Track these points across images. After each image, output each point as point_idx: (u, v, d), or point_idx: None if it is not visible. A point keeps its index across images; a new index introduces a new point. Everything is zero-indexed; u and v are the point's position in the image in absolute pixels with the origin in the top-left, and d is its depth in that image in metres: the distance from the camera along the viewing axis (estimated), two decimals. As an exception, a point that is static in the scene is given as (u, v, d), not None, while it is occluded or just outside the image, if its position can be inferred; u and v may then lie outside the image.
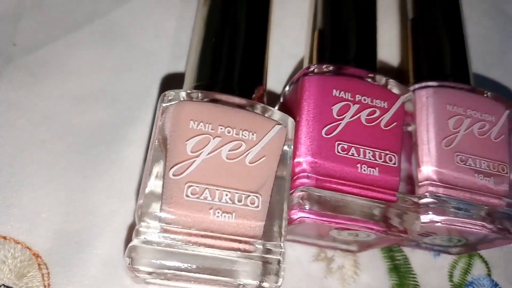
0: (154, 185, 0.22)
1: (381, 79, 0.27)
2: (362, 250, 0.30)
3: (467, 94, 0.29)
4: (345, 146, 0.25)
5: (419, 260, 0.31)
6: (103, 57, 0.30)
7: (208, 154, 0.22)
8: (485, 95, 0.30)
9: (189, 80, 0.27)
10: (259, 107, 0.25)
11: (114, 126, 0.28)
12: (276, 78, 0.33)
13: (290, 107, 0.27)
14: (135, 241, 0.21)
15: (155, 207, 0.21)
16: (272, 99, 0.31)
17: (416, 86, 0.29)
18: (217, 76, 0.26)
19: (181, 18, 0.32)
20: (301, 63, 0.34)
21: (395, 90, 0.27)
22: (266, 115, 0.25)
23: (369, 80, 0.27)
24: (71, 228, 0.26)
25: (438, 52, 0.32)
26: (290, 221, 0.24)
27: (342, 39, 0.30)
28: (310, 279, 0.29)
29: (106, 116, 0.28)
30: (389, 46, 0.36)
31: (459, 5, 0.34)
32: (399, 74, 0.35)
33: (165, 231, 0.21)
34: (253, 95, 0.26)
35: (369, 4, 0.32)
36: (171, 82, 0.30)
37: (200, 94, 0.24)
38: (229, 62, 0.27)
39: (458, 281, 0.31)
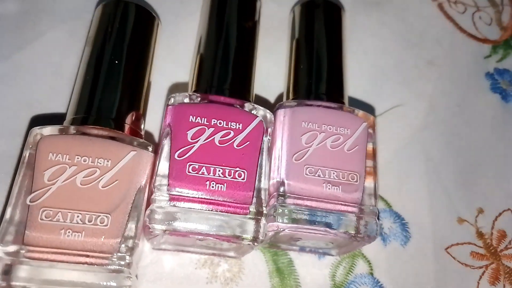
0: (15, 211, 0.25)
1: (249, 105, 0.30)
2: (241, 256, 0.33)
3: (325, 110, 0.32)
4: (196, 166, 0.28)
5: (304, 262, 0.34)
6: (4, 96, 0.34)
7: (64, 181, 0.26)
8: (349, 110, 0.32)
9: (69, 113, 0.30)
10: (123, 136, 0.28)
11: (13, 157, 0.32)
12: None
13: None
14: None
15: (13, 230, 0.25)
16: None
17: (278, 105, 0.32)
18: (89, 109, 0.30)
19: (80, 56, 0.36)
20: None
21: (258, 113, 0.30)
22: (128, 143, 0.28)
23: (238, 106, 0.30)
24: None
25: (311, 72, 0.34)
26: (147, 235, 0.27)
27: (217, 67, 0.33)
28: (194, 285, 0.32)
29: (6, 149, 0.32)
30: (279, 67, 0.39)
31: (341, 28, 0.37)
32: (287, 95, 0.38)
33: (27, 250, 0.25)
34: (126, 125, 0.30)
35: (249, 35, 0.35)
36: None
37: (65, 128, 0.28)
38: (102, 96, 0.30)
39: (340, 280, 0.34)
